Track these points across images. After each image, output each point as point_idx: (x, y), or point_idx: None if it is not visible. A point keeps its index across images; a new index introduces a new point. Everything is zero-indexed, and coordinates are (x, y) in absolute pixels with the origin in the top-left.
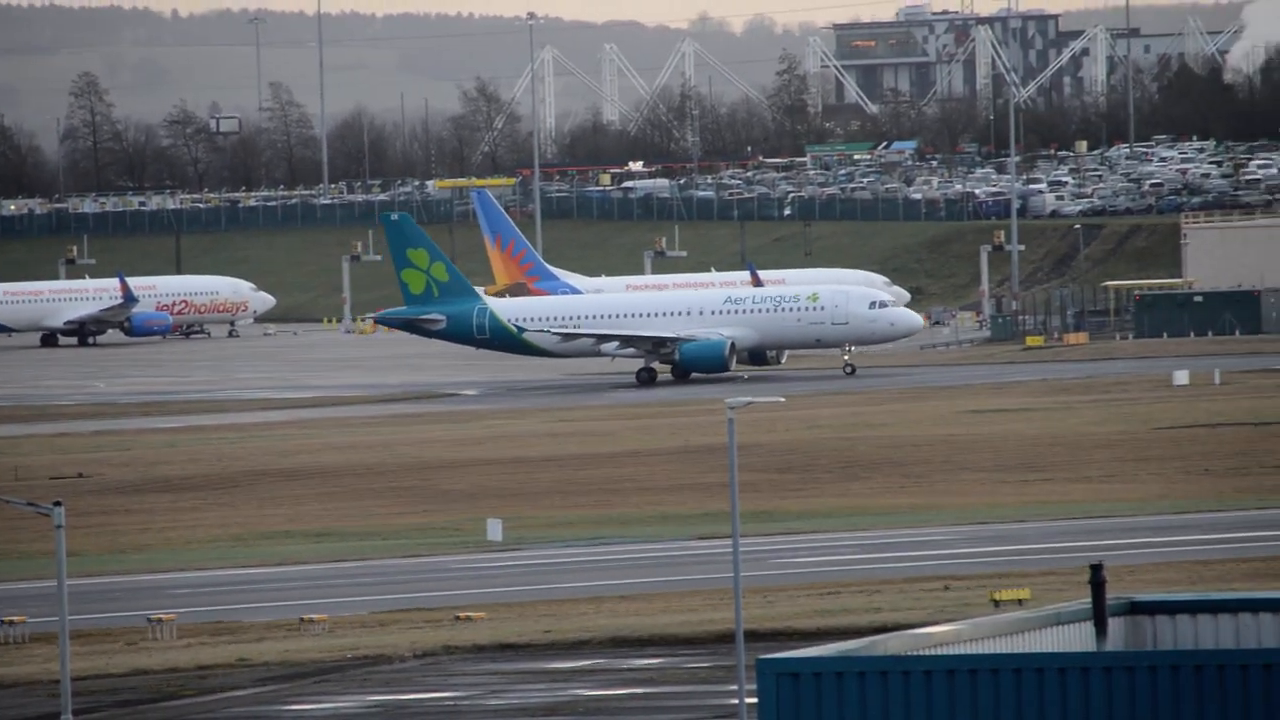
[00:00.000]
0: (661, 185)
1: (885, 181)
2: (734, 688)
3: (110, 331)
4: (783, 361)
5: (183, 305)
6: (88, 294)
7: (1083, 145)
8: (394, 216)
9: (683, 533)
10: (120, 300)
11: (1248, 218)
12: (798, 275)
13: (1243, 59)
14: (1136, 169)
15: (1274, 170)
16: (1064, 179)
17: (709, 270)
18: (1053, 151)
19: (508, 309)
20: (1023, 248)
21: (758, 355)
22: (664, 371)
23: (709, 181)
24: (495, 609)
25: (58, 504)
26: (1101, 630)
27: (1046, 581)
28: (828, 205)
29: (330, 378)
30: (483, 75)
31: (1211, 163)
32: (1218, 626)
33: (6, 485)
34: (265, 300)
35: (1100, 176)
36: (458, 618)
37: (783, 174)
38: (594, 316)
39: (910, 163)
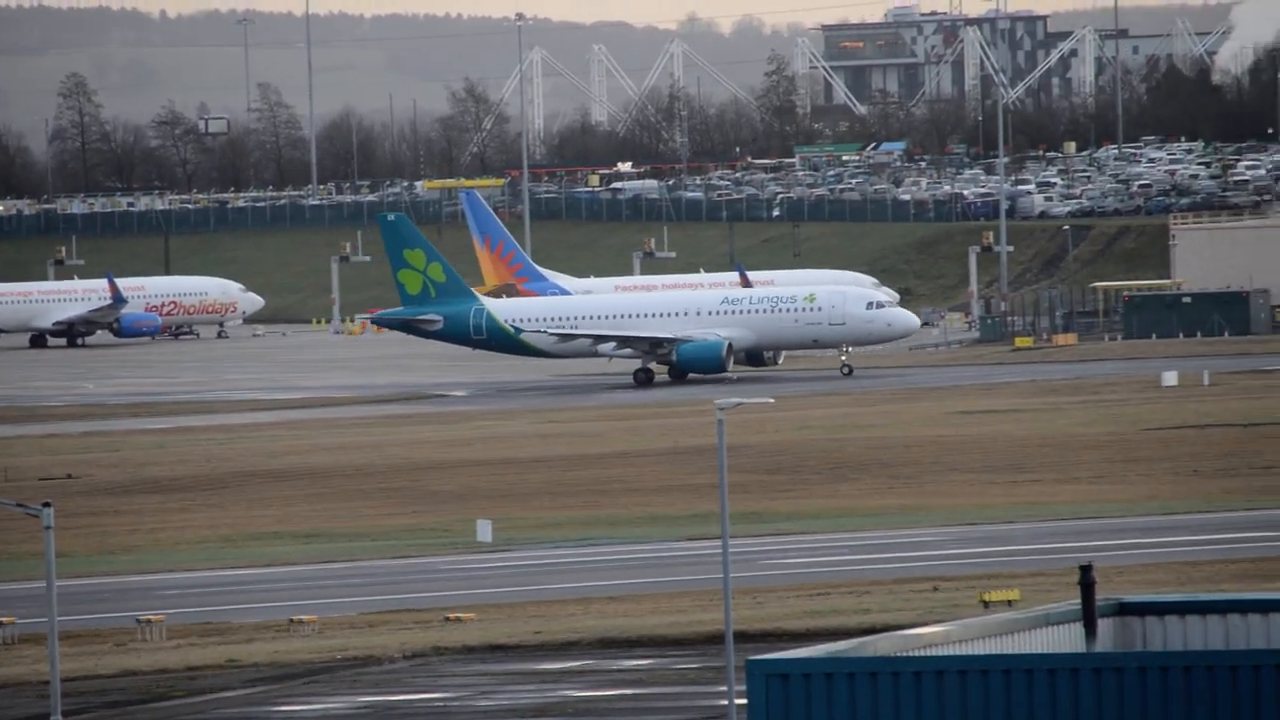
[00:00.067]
0: (650, 186)
1: (874, 182)
2: (723, 689)
3: (99, 332)
4: (780, 362)
5: (172, 306)
6: (76, 295)
7: (1071, 146)
8: (390, 217)
9: (672, 534)
10: (109, 301)
11: (1236, 219)
12: (786, 276)
13: (1231, 60)
14: (1125, 170)
15: (1262, 171)
16: (1052, 180)
17: (698, 271)
18: (1041, 152)
19: (505, 310)
20: (1011, 249)
21: (755, 356)
22: (661, 372)
23: (698, 182)
24: (485, 610)
25: (47, 505)
26: (1091, 631)
27: (1035, 582)
28: (816, 206)
29: (319, 379)
30: (471, 76)
31: (1200, 164)
32: (1207, 627)
33: None
34: (254, 301)
35: (1089, 177)
36: (447, 619)
37: (771, 175)
38: (591, 317)
39: (899, 164)
